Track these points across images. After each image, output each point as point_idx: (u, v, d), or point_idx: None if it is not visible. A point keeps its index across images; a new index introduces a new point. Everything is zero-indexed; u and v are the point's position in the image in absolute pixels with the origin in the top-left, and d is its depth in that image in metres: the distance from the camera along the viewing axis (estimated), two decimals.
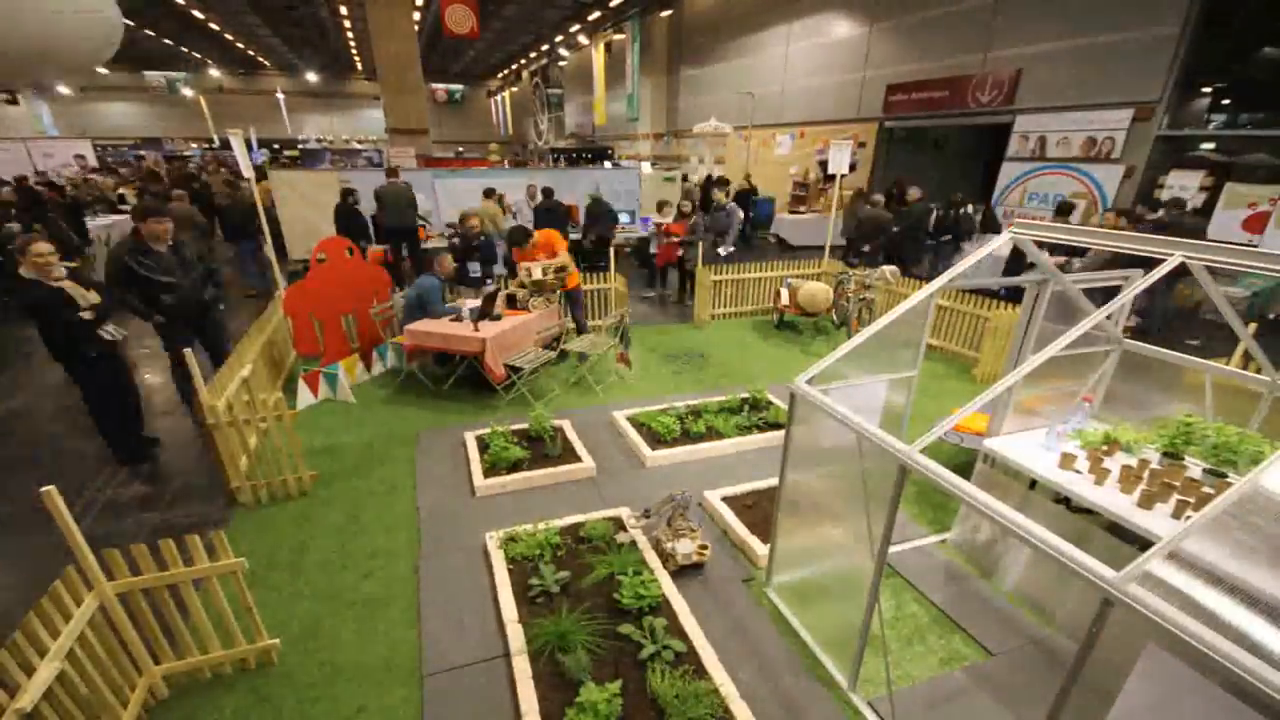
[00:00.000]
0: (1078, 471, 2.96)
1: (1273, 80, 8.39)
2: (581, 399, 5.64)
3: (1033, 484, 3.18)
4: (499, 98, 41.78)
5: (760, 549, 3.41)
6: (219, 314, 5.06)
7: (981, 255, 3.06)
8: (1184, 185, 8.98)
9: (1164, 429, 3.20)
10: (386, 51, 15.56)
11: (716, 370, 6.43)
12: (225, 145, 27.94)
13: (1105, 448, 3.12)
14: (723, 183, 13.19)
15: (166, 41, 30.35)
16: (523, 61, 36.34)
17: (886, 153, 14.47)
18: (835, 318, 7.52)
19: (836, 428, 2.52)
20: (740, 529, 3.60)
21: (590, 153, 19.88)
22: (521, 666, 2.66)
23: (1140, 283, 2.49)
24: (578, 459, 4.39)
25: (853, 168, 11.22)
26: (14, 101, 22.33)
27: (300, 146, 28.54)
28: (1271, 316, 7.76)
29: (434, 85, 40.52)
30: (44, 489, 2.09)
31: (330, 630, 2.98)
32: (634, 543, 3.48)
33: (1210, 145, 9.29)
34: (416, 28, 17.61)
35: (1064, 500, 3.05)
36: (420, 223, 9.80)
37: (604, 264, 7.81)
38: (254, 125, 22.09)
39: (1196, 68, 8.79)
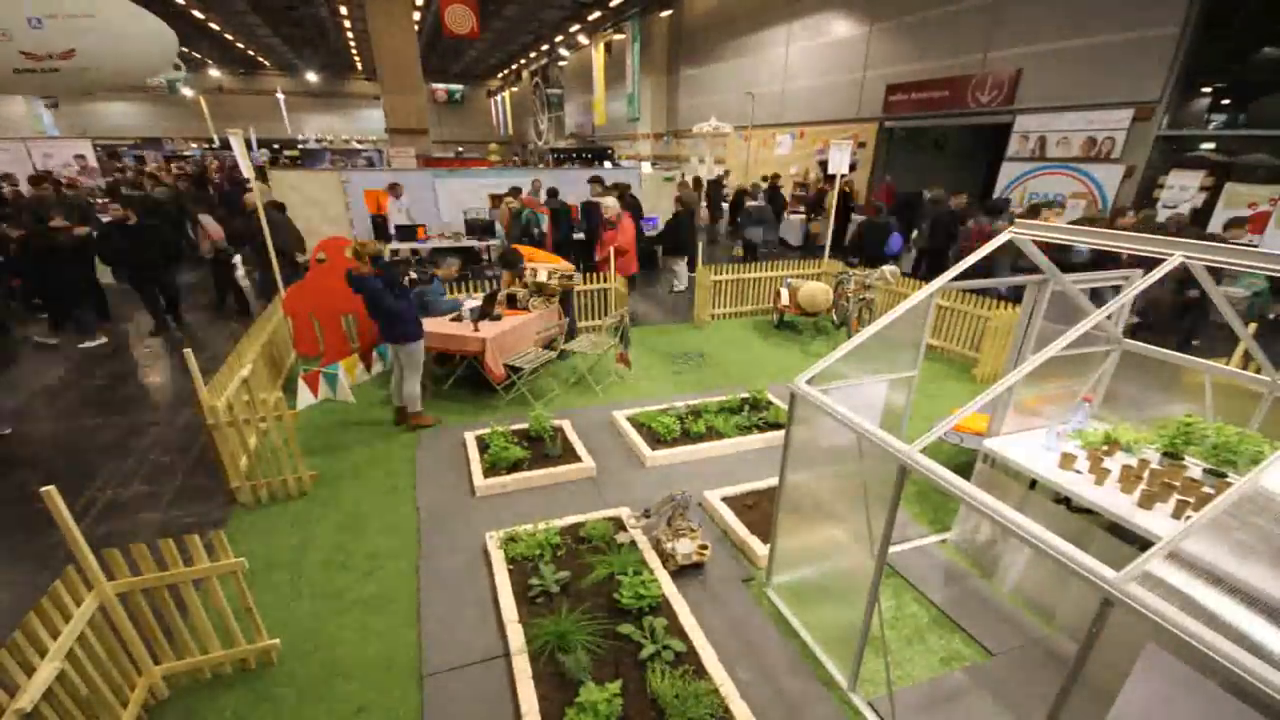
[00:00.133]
0: (1078, 471, 2.95)
1: (1273, 80, 8.40)
2: (581, 399, 5.64)
3: (1033, 484, 3.18)
4: (499, 98, 41.78)
5: (760, 549, 3.41)
6: None
7: (981, 255, 3.06)
8: (1184, 185, 8.98)
9: (1164, 429, 3.19)
10: (386, 51, 15.56)
11: (716, 370, 6.43)
12: (225, 145, 27.91)
13: (1105, 448, 3.12)
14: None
15: None
16: (523, 61, 36.34)
17: (886, 153, 14.46)
18: (835, 318, 7.52)
19: (836, 428, 2.52)
20: (740, 529, 3.60)
21: (590, 153, 19.87)
22: (521, 666, 2.66)
23: (1140, 283, 2.49)
24: (578, 459, 4.39)
25: (853, 168, 11.23)
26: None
27: (300, 146, 28.51)
28: (1271, 316, 7.76)
29: (434, 85, 40.52)
30: (44, 489, 2.09)
31: (330, 630, 2.98)
32: (634, 543, 3.48)
33: (1210, 145, 9.29)
34: (416, 28, 17.61)
35: (1064, 500, 3.05)
36: (420, 222, 9.83)
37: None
38: (254, 125, 22.12)
39: (1196, 68, 8.79)
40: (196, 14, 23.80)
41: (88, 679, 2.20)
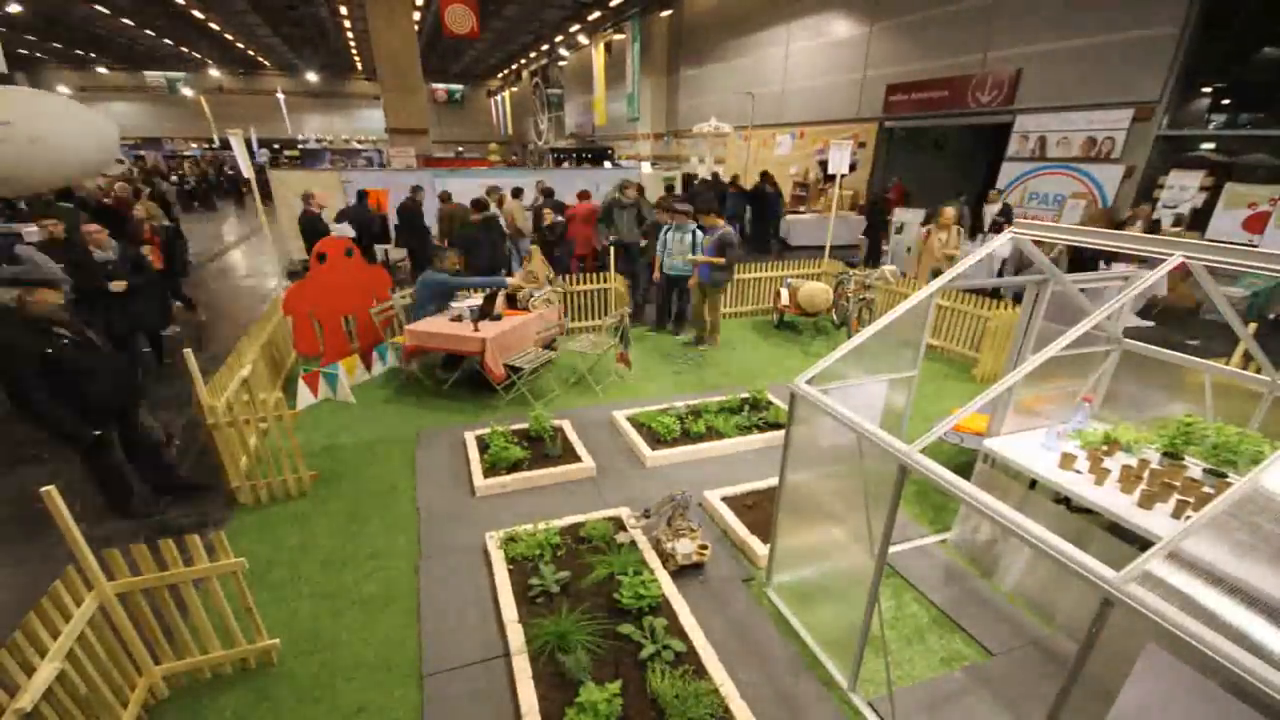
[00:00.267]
0: (1078, 471, 2.95)
1: (1273, 80, 8.40)
2: (581, 399, 5.64)
3: (1033, 484, 3.18)
4: (499, 98, 41.79)
5: (760, 549, 3.41)
6: None
7: (981, 255, 3.06)
8: (1184, 185, 8.98)
9: (1164, 429, 3.19)
10: (386, 51, 15.56)
11: (716, 370, 6.43)
12: (225, 145, 27.93)
13: (1105, 448, 3.12)
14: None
15: (166, 41, 30.38)
16: (523, 61, 36.35)
17: (886, 153, 14.47)
18: (835, 318, 7.53)
19: (836, 428, 2.52)
20: (740, 529, 3.60)
21: (590, 153, 19.87)
22: (521, 666, 2.66)
23: (1140, 283, 2.49)
24: (578, 459, 4.39)
25: (853, 168, 11.23)
26: None
27: (300, 146, 28.55)
28: (1271, 316, 7.77)
29: (434, 85, 40.53)
30: (44, 489, 2.09)
31: (330, 630, 2.98)
32: (634, 543, 3.48)
33: (1210, 145, 9.29)
34: (416, 28, 17.61)
35: (1064, 500, 3.05)
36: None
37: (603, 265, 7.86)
38: (254, 125, 22.11)
39: (1196, 68, 8.80)
40: (196, 14, 23.80)
41: (88, 679, 2.20)
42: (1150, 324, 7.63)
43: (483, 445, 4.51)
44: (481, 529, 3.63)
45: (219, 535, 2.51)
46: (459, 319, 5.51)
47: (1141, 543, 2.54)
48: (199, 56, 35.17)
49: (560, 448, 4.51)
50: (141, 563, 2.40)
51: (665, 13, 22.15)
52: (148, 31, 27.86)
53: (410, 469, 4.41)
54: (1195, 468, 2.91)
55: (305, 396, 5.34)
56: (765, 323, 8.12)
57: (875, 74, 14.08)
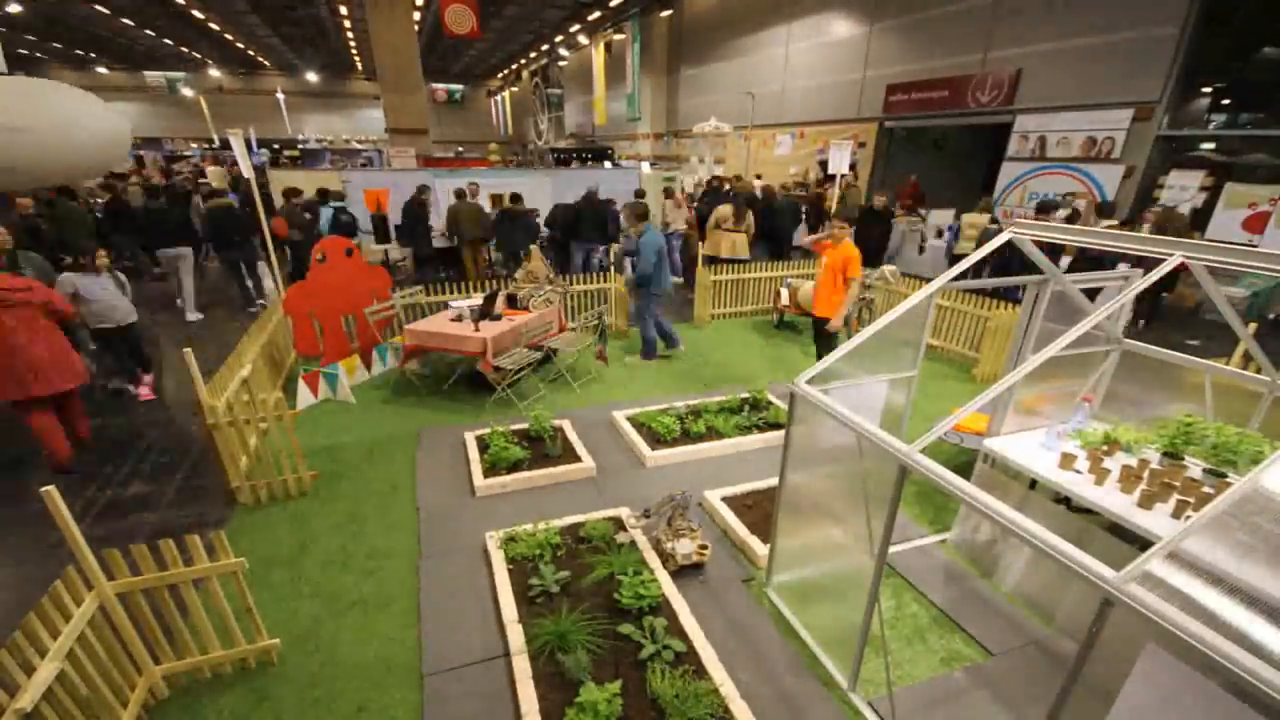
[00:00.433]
0: (1078, 471, 2.95)
1: (1273, 80, 8.39)
2: (579, 399, 5.64)
3: (1033, 484, 3.18)
4: (499, 98, 41.78)
5: (760, 549, 3.41)
6: None
7: (981, 255, 3.06)
8: (1184, 185, 8.99)
9: (1164, 429, 3.19)
10: (386, 51, 15.56)
11: (716, 370, 6.43)
12: (225, 145, 27.93)
13: (1105, 448, 3.12)
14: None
15: (166, 41, 30.37)
16: (523, 61, 36.35)
17: (886, 153, 14.47)
18: None
19: (836, 428, 2.52)
20: (740, 529, 3.60)
21: (590, 153, 19.85)
22: (521, 666, 2.66)
23: (1140, 283, 2.49)
24: (578, 459, 4.39)
25: (853, 168, 11.23)
26: None
27: (300, 146, 28.52)
28: (1271, 316, 7.76)
29: (434, 85, 40.53)
30: (44, 489, 2.09)
31: (330, 630, 2.98)
32: (634, 543, 3.48)
33: (1210, 145, 9.30)
34: (416, 28, 17.61)
35: (1064, 500, 3.05)
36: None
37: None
38: (254, 125, 22.10)
39: (1196, 68, 8.80)
40: (196, 14, 23.80)
41: (88, 679, 2.20)
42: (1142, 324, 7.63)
43: (483, 445, 4.51)
44: (481, 529, 3.63)
45: (219, 535, 2.51)
46: (459, 319, 5.51)
47: (1141, 543, 2.54)
48: (199, 56, 35.18)
49: (560, 448, 4.51)
50: (141, 563, 2.40)
51: (665, 12, 22.16)
52: (148, 31, 27.86)
53: (410, 469, 4.41)
54: (1195, 468, 2.91)
55: (305, 396, 5.34)
56: (765, 323, 8.12)
57: (875, 74, 14.08)
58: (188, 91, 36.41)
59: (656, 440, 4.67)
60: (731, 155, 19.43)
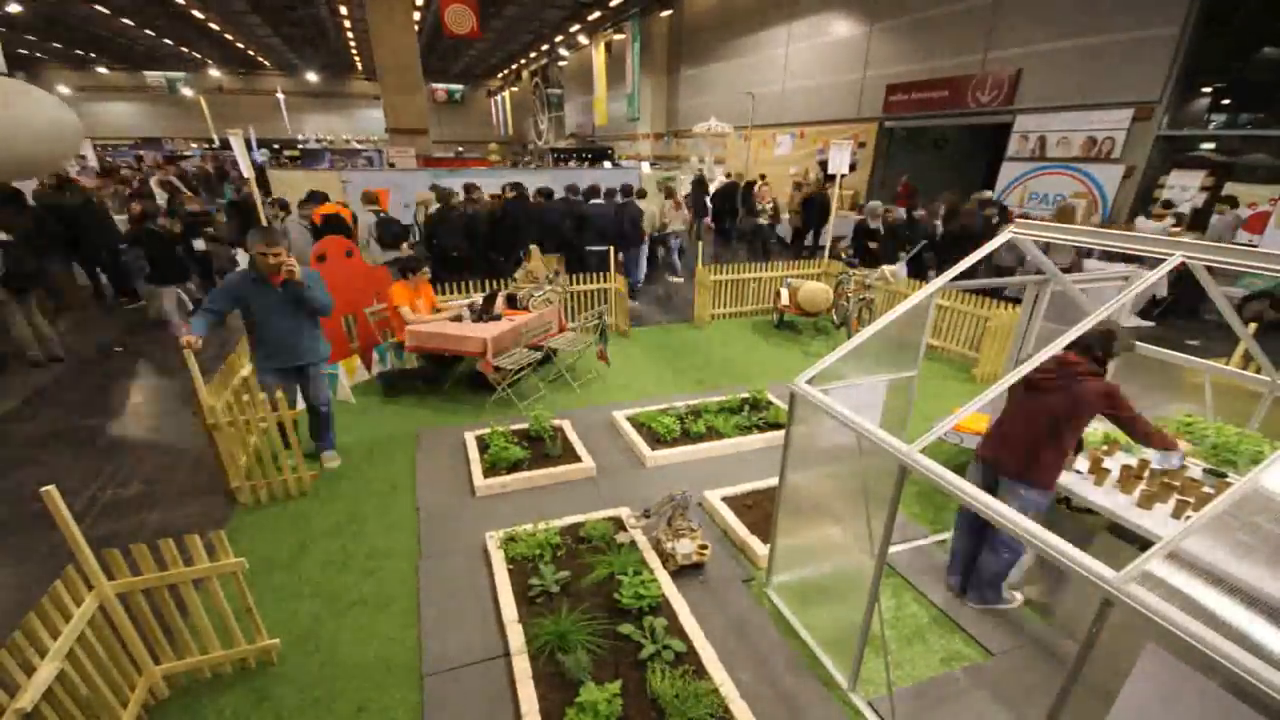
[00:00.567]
0: (1078, 471, 2.96)
1: (1273, 80, 8.40)
2: (579, 399, 5.64)
3: None
4: (499, 98, 41.80)
5: (760, 549, 3.41)
6: None
7: (982, 254, 3.06)
8: (1184, 185, 8.99)
9: (1164, 429, 3.19)
10: (386, 51, 15.56)
11: (716, 370, 6.43)
12: (225, 145, 27.91)
13: (1105, 448, 3.12)
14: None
15: (166, 41, 30.39)
16: (523, 61, 36.37)
17: (886, 153, 14.47)
18: (835, 318, 7.52)
19: (836, 428, 2.52)
20: (740, 529, 3.60)
21: (590, 153, 19.85)
22: (521, 666, 2.66)
23: (1140, 283, 2.49)
24: (578, 459, 4.39)
25: (853, 168, 11.23)
26: None
27: (300, 146, 28.50)
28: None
29: (434, 85, 40.55)
30: (44, 489, 2.09)
31: (330, 630, 2.98)
32: (634, 543, 3.48)
33: (1210, 145, 9.30)
34: (416, 28, 17.62)
35: (1064, 500, 3.05)
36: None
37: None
38: (254, 125, 22.07)
39: (1196, 67, 8.80)
40: (196, 14, 23.81)
41: (88, 679, 2.20)
42: (1150, 324, 7.64)
43: (482, 445, 4.51)
44: (481, 529, 3.63)
45: (219, 535, 2.51)
46: (459, 319, 5.51)
47: (1141, 543, 2.55)
48: (199, 56, 35.20)
49: (560, 448, 4.51)
50: (141, 562, 2.39)
51: (665, 12, 22.17)
52: (148, 31, 27.88)
53: (410, 469, 4.41)
54: (1195, 468, 2.92)
55: None
56: (765, 323, 8.12)
57: (875, 74, 14.09)
58: (188, 91, 36.43)
59: (656, 440, 4.67)
60: (731, 155, 19.44)
